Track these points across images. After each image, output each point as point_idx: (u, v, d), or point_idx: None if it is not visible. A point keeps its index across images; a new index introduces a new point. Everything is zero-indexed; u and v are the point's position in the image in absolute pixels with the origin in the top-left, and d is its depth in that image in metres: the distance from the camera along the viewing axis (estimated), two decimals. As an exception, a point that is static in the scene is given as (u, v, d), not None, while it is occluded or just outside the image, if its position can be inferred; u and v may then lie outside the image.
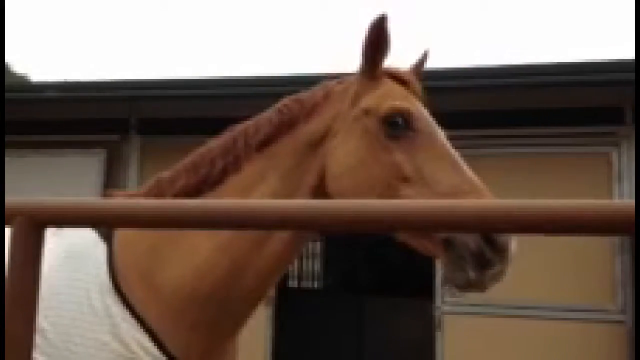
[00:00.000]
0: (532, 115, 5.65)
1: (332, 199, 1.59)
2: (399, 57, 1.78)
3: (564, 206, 0.76)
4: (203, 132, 1.76)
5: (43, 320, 1.50)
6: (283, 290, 8.01)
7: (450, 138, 1.65)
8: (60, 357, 1.47)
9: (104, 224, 1.21)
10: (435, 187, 1.48)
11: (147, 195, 1.70)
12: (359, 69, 1.74)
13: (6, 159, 6.65)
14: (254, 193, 1.64)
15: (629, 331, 5.11)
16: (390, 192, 1.52)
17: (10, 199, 0.95)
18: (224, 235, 1.59)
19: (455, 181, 1.48)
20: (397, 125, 1.60)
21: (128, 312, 1.53)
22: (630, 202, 0.74)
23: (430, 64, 1.94)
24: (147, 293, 1.57)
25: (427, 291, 6.14)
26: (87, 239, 1.66)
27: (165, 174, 1.73)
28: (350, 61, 1.83)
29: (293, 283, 10.84)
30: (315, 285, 11.08)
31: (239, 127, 1.74)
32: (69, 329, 1.50)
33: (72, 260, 1.61)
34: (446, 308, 5.55)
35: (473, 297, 4.95)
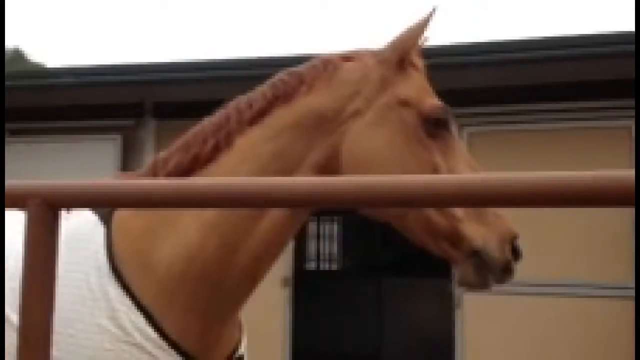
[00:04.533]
0: (552, 90, 5.56)
1: None
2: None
3: (562, 178, 0.74)
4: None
5: None
6: (301, 272, 8.04)
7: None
8: (62, 342, 1.44)
9: (118, 204, 1.20)
10: None
11: (145, 176, 1.67)
12: (383, 55, 1.67)
13: (22, 145, 6.72)
14: (241, 169, 1.58)
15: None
16: None
17: (24, 181, 0.95)
18: (210, 213, 1.55)
19: None
20: (438, 125, 1.60)
21: (125, 295, 1.51)
22: (630, 172, 0.71)
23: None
24: (143, 275, 1.55)
25: (445, 270, 6.11)
26: (86, 221, 1.64)
27: (162, 154, 1.70)
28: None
29: (311, 265, 10.89)
30: (334, 267, 11.13)
31: (231, 104, 1.69)
32: (69, 314, 1.48)
33: (71, 244, 1.57)
34: (465, 287, 5.52)
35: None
